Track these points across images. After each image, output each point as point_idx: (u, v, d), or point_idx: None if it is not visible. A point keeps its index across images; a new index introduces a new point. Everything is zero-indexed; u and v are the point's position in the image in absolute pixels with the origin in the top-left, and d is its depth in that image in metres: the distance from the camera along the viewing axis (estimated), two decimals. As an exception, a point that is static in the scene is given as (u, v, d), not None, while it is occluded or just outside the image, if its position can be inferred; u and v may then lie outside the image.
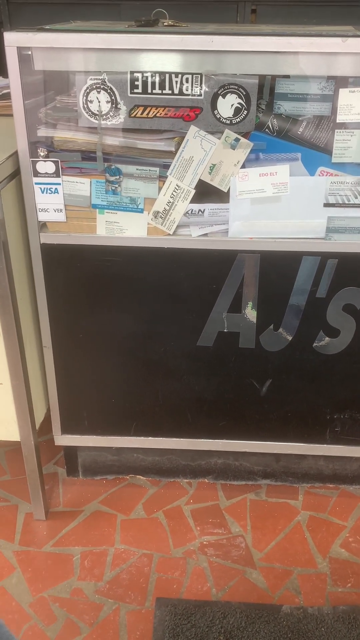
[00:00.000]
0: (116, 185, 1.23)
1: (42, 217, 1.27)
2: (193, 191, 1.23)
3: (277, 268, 1.30)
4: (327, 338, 1.38)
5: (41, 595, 1.35)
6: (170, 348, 1.41)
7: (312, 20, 1.57)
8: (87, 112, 1.16)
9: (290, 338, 1.38)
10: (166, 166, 1.21)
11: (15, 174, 1.23)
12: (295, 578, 1.39)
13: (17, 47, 1.10)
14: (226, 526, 1.53)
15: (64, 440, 1.55)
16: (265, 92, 1.16)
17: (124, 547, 1.46)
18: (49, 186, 1.23)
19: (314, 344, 1.39)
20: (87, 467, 1.66)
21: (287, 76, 1.13)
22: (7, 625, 1.27)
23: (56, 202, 1.25)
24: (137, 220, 1.27)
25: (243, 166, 1.21)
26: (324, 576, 1.39)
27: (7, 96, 1.59)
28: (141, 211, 1.26)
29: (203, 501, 1.60)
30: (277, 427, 1.51)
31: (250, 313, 1.35)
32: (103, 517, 1.55)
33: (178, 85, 1.13)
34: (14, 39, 1.09)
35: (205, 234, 1.28)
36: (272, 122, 1.18)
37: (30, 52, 1.11)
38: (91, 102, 1.15)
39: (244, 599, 1.34)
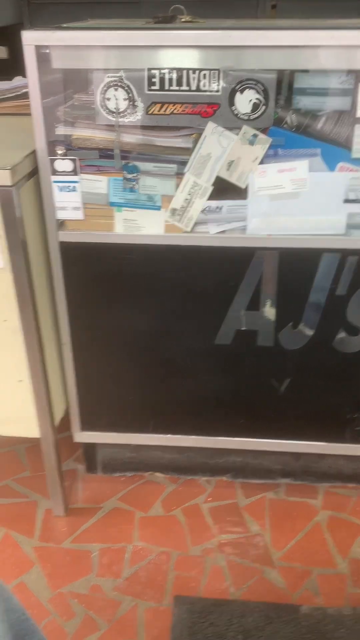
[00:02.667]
0: (134, 183, 1.23)
1: (61, 215, 1.27)
2: (211, 188, 1.22)
3: (296, 265, 1.29)
4: (347, 336, 1.36)
5: (60, 591, 1.36)
6: (187, 346, 1.41)
7: (332, 16, 1.55)
8: (104, 110, 1.16)
9: (309, 336, 1.36)
10: (184, 163, 1.21)
11: (34, 173, 1.24)
12: (314, 578, 1.38)
13: (35, 45, 1.11)
14: (245, 525, 1.52)
15: (82, 437, 1.56)
16: (283, 86, 1.15)
17: (142, 545, 1.47)
18: (67, 184, 1.23)
19: (334, 342, 1.37)
20: (106, 464, 1.67)
21: (306, 70, 1.12)
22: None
23: (74, 200, 1.25)
24: (154, 218, 1.26)
25: (261, 162, 1.19)
26: (344, 577, 1.38)
27: (25, 95, 1.60)
28: (158, 208, 1.25)
29: (221, 499, 1.60)
30: (297, 425, 1.50)
31: (269, 311, 1.34)
32: (121, 514, 1.55)
33: (195, 82, 1.12)
34: (32, 37, 1.10)
35: (223, 231, 1.27)
36: (291, 118, 1.17)
37: (48, 51, 1.12)
38: (109, 99, 1.15)
39: (263, 599, 1.33)
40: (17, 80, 1.72)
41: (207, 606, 1.30)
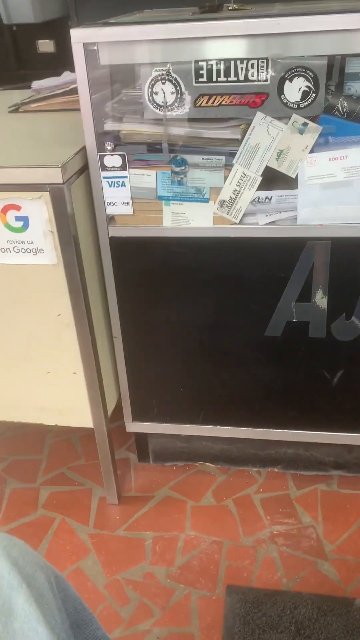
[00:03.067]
0: (182, 176, 1.23)
1: (110, 210, 1.29)
2: (260, 178, 1.20)
3: (348, 255, 1.26)
4: None
5: (115, 577, 1.40)
6: (237, 338, 1.41)
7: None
8: (152, 104, 1.16)
9: (362, 327, 1.34)
10: (232, 154, 1.19)
11: (83, 169, 1.25)
12: (368, 572, 1.36)
13: (83, 43, 1.11)
14: (296, 516, 1.51)
15: (134, 427, 1.59)
16: (334, 73, 1.12)
17: (195, 534, 1.49)
18: (116, 180, 1.24)
19: (388, 333, 1.34)
20: (157, 454, 1.69)
21: (358, 55, 1.08)
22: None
23: (123, 196, 1.26)
24: (202, 210, 1.26)
25: (312, 151, 1.17)
26: None
27: (74, 91, 1.62)
28: (207, 201, 1.25)
29: (273, 490, 1.60)
30: (350, 417, 1.47)
31: (321, 302, 1.32)
32: (173, 503, 1.58)
33: (243, 72, 1.11)
34: (79, 35, 1.11)
35: (273, 222, 1.26)
36: (342, 104, 1.13)
37: (96, 47, 1.12)
38: (156, 93, 1.15)
39: (315, 591, 1.33)
40: (66, 76, 1.74)
41: (259, 596, 1.31)
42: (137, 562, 1.43)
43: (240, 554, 1.43)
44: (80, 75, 1.14)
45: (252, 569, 1.39)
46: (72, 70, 1.62)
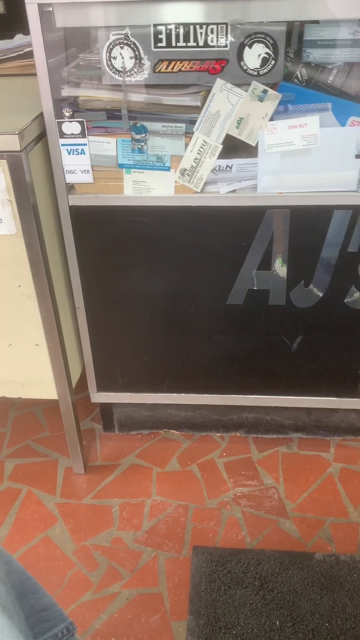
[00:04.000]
0: (142, 144, 1.22)
1: (70, 178, 1.27)
2: (220, 146, 1.21)
3: (307, 223, 1.29)
4: (358, 293, 1.36)
5: (83, 544, 1.42)
6: (200, 307, 1.42)
7: None
8: (111, 69, 1.14)
9: (321, 294, 1.37)
10: (192, 122, 1.19)
11: (41, 136, 1.23)
12: (327, 527, 1.43)
13: (38, 3, 1.08)
14: (259, 478, 1.57)
15: (99, 397, 1.60)
16: (293, 40, 1.12)
17: (161, 499, 1.52)
18: (75, 147, 1.22)
19: (346, 299, 1.38)
20: (122, 423, 1.71)
21: (317, 22, 1.09)
22: (52, 572, 1.35)
23: (83, 163, 1.24)
24: (164, 179, 1.26)
25: (271, 119, 1.18)
26: (355, 525, 1.43)
27: (28, 55, 1.57)
28: (168, 169, 1.25)
29: (236, 454, 1.64)
30: (308, 382, 1.52)
31: (281, 270, 1.35)
32: (139, 470, 1.60)
33: (203, 37, 1.10)
34: (34, -5, 1.07)
35: (234, 191, 1.27)
36: (301, 72, 1.14)
37: (51, 9, 1.09)
38: (115, 58, 1.13)
39: (278, 547, 1.38)
40: (19, 39, 1.67)
41: (224, 555, 1.36)
42: (105, 528, 1.46)
43: (205, 516, 1.47)
44: (35, 38, 1.11)
45: (217, 530, 1.44)
46: (26, 33, 1.58)
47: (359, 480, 1.54)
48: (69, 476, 1.60)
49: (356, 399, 1.54)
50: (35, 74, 1.16)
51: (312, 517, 1.46)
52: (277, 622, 1.22)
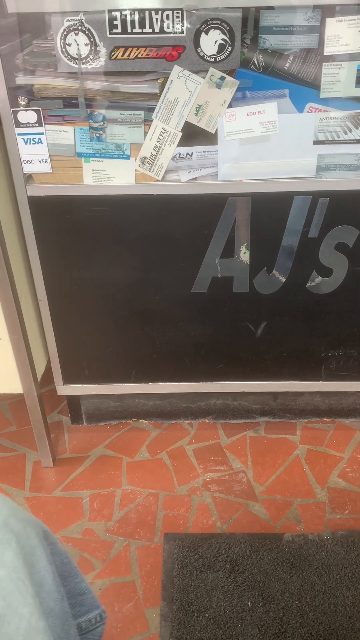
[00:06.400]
0: (100, 132, 1.20)
1: (27, 168, 1.24)
2: (180, 134, 1.20)
3: (268, 210, 1.30)
4: (320, 278, 1.39)
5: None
6: (165, 295, 1.42)
7: None
8: (65, 56, 1.12)
9: (283, 280, 1.39)
10: (151, 109, 1.18)
11: (-4, 126, 1.20)
12: (295, 508, 1.46)
13: (-13, -12, 1.05)
14: (228, 463, 1.59)
15: (66, 390, 1.59)
16: (249, 26, 1.12)
17: (131, 488, 1.52)
18: (32, 136, 1.20)
19: (308, 284, 1.40)
20: (90, 414, 1.70)
21: (272, 7, 1.09)
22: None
23: (40, 153, 1.22)
24: (124, 167, 1.24)
25: (230, 106, 1.18)
26: (322, 505, 1.46)
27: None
28: (128, 157, 1.23)
29: (204, 440, 1.66)
30: (274, 366, 1.54)
31: (244, 257, 1.36)
32: (109, 461, 1.60)
33: (159, 23, 1.09)
34: (-17, -20, 1.04)
35: (195, 178, 1.26)
36: (258, 58, 1.14)
37: (1, -6, 1.06)
38: (69, 45, 1.11)
39: (248, 530, 1.41)
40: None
41: (195, 541, 1.38)
42: (76, 520, 1.45)
43: (176, 503, 1.48)
44: (-14, 23, 1.08)
45: (187, 516, 1.45)
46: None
47: (325, 461, 1.58)
48: (37, 470, 1.59)
49: (320, 382, 1.57)
50: (-13, 61, 1.13)
51: (280, 499, 1.48)
52: (249, 603, 1.24)
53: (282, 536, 1.38)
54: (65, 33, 1.10)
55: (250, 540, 1.37)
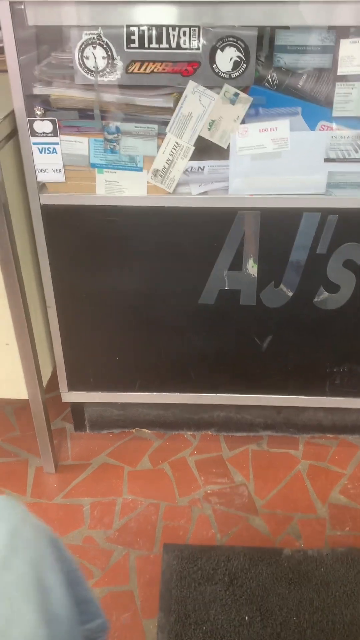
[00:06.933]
0: (114, 144, 1.22)
1: (41, 177, 1.26)
2: (192, 148, 1.22)
3: (277, 225, 1.31)
4: (327, 294, 1.39)
5: (54, 543, 1.42)
6: (172, 306, 1.43)
7: None
8: (83, 69, 1.14)
9: (290, 294, 1.40)
10: (165, 123, 1.20)
11: (12, 134, 1.22)
12: (295, 523, 1.45)
13: (9, 1, 1.07)
14: (229, 476, 1.59)
15: (70, 397, 1.60)
16: (264, 44, 1.13)
17: (132, 497, 1.53)
18: (47, 146, 1.22)
19: (314, 300, 1.40)
20: (93, 422, 1.71)
21: (287, 27, 1.11)
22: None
23: (55, 162, 1.24)
24: (136, 179, 1.26)
25: (243, 121, 1.19)
26: (323, 521, 1.46)
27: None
28: (140, 170, 1.25)
29: (206, 452, 1.66)
30: (278, 380, 1.55)
31: (251, 270, 1.36)
32: (111, 469, 1.61)
33: (175, 39, 1.10)
34: (5, -7, 1.06)
35: (205, 192, 1.28)
36: (272, 76, 1.16)
37: (23, 7, 1.08)
38: (87, 58, 1.13)
39: (247, 544, 1.41)
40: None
41: (195, 552, 1.37)
42: (76, 527, 1.46)
43: (176, 514, 1.48)
44: (6, 35, 1.10)
45: (187, 528, 1.45)
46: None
47: (326, 476, 1.58)
48: (39, 476, 1.60)
49: (324, 398, 1.57)
50: (4, 70, 1.15)
51: (280, 514, 1.48)
52: (247, 617, 1.24)
53: (282, 551, 1.37)
54: (83, 46, 1.12)
55: (249, 553, 1.37)
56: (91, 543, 1.42)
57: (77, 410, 1.69)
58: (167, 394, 1.58)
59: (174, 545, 1.40)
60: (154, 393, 1.58)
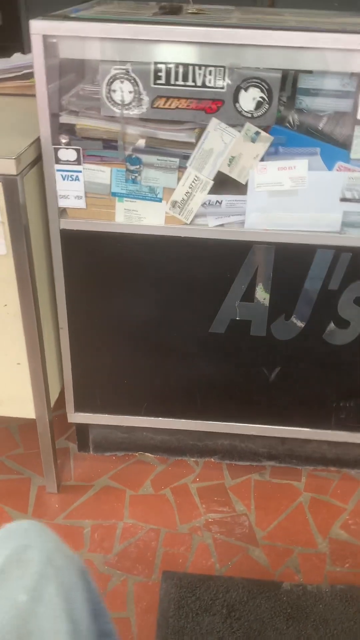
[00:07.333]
0: (136, 175, 1.25)
1: (63, 203, 1.29)
2: (211, 182, 1.24)
3: (291, 260, 1.33)
4: (337, 329, 1.41)
5: (53, 564, 1.42)
6: (183, 334, 1.45)
7: (333, 4, 1.55)
8: (109, 102, 1.17)
9: (300, 328, 1.41)
10: (186, 157, 1.23)
11: (37, 160, 1.25)
12: (295, 557, 1.45)
13: (42, 35, 1.11)
14: (231, 505, 1.59)
15: (76, 418, 1.61)
16: (287, 86, 1.17)
17: (133, 522, 1.53)
18: (70, 173, 1.25)
19: (324, 335, 1.42)
20: (97, 444, 1.72)
21: (310, 71, 1.14)
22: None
23: (77, 189, 1.27)
24: (155, 209, 1.29)
25: (262, 159, 1.22)
26: (323, 556, 1.46)
27: (27, 76, 1.59)
28: (160, 200, 1.28)
29: (209, 480, 1.66)
30: (284, 412, 1.56)
31: (263, 302, 1.38)
32: (112, 492, 1.61)
33: (201, 77, 1.14)
34: (40, 27, 1.10)
35: (222, 225, 1.30)
36: (293, 117, 1.19)
37: (55, 40, 1.12)
38: (114, 91, 1.16)
39: (246, 575, 1.40)
40: (17, 58, 1.70)
41: (193, 581, 1.37)
42: (76, 550, 1.45)
43: (176, 541, 1.48)
44: (37, 66, 1.14)
45: (187, 555, 1.45)
46: (23, 52, 1.60)
47: (328, 510, 1.58)
48: (41, 495, 1.60)
49: (329, 431, 1.57)
50: (32, 95, 1.18)
51: (281, 546, 1.48)
52: (243, 651, 1.24)
53: (281, 585, 1.37)
54: (111, 80, 1.15)
55: (248, 585, 1.36)
56: (90, 566, 1.42)
57: (82, 430, 1.70)
58: (173, 419, 1.59)
59: (173, 573, 1.40)
60: (160, 418, 1.59)
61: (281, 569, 1.42)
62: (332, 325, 1.41)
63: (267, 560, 1.45)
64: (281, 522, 1.54)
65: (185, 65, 1.13)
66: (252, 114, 1.16)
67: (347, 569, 1.42)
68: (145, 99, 1.16)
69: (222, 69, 1.13)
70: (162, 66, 1.13)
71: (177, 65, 1.13)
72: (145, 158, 1.22)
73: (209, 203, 1.27)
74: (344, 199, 1.25)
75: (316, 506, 1.59)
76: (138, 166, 1.23)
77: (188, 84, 1.15)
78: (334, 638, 1.26)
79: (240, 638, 1.26)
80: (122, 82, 1.15)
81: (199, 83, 1.14)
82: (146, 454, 1.72)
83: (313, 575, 1.41)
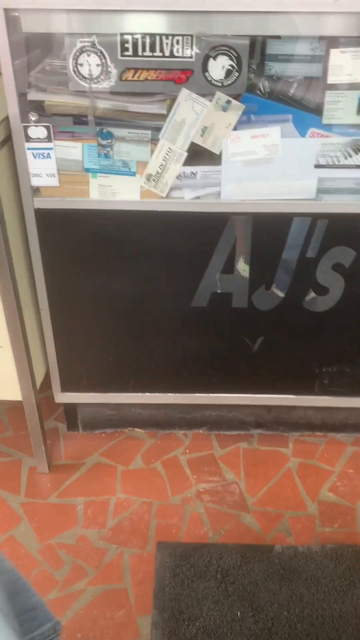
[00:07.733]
0: (108, 149, 1.23)
1: (35, 182, 1.27)
2: (185, 154, 1.23)
3: (268, 229, 1.33)
4: (317, 296, 1.42)
5: (48, 542, 1.44)
6: (165, 309, 1.45)
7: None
8: (77, 76, 1.15)
9: (281, 297, 1.42)
10: (158, 129, 1.21)
11: (6, 140, 1.23)
12: (286, 520, 1.49)
13: (4, 8, 1.08)
14: (221, 474, 1.61)
15: (64, 398, 1.61)
16: (256, 53, 1.15)
17: (125, 496, 1.55)
18: (41, 151, 1.23)
19: (304, 302, 1.43)
20: (86, 422, 1.73)
21: (278, 37, 1.13)
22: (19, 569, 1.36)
23: (49, 167, 1.25)
24: (130, 184, 1.28)
25: (235, 128, 1.21)
26: (313, 518, 1.49)
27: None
28: (134, 174, 1.27)
29: (198, 451, 1.68)
30: (269, 380, 1.58)
31: (243, 274, 1.39)
32: (104, 469, 1.63)
33: (169, 47, 1.12)
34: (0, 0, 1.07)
35: (198, 197, 1.30)
36: (263, 84, 1.18)
37: (17, 14, 1.09)
38: (81, 65, 1.14)
39: (239, 541, 1.43)
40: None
41: (187, 550, 1.40)
42: (70, 527, 1.48)
43: (169, 512, 1.51)
44: (1, 42, 1.11)
45: (180, 526, 1.48)
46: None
47: (316, 474, 1.61)
48: (33, 476, 1.61)
49: (313, 397, 1.60)
50: (-1, 76, 1.16)
51: (271, 511, 1.51)
52: (239, 613, 1.27)
53: (273, 548, 1.41)
54: (77, 54, 1.13)
55: (241, 550, 1.40)
56: (85, 542, 1.44)
57: (70, 410, 1.70)
58: (160, 394, 1.60)
59: (167, 543, 1.42)
60: (147, 393, 1.60)
61: (273, 533, 1.46)
62: (311, 293, 1.42)
63: (258, 525, 1.48)
64: (271, 488, 1.57)
65: (152, 35, 1.11)
66: (222, 82, 1.15)
67: (336, 529, 1.46)
68: (113, 71, 1.14)
69: (189, 37, 1.11)
70: (129, 37, 1.11)
71: (143, 35, 1.11)
72: (116, 132, 1.21)
73: (183, 175, 1.26)
74: (318, 166, 1.25)
75: (304, 471, 1.62)
76: (110, 140, 1.22)
77: (156, 54, 1.13)
78: (326, 595, 1.30)
79: (236, 601, 1.29)
80: (89, 55, 1.13)
81: (167, 53, 1.13)
82: (135, 429, 1.74)
83: (304, 537, 1.45)
